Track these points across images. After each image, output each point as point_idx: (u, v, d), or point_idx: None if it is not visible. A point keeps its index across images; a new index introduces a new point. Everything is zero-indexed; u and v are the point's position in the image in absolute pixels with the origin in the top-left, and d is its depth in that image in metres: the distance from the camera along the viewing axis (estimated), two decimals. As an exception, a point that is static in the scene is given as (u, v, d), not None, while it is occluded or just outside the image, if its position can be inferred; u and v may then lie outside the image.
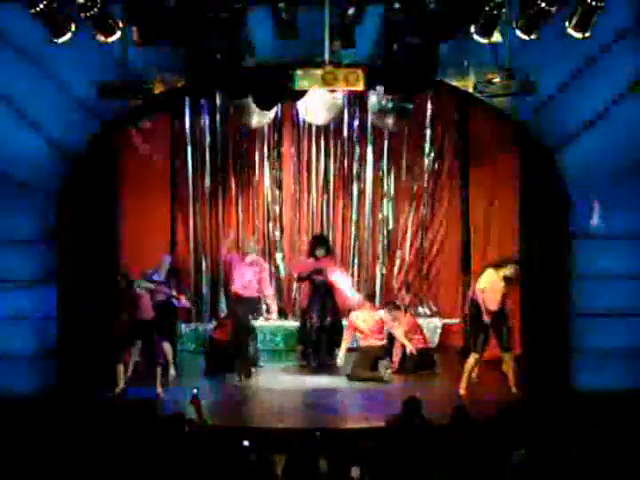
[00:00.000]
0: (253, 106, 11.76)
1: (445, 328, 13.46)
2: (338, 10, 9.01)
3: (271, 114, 12.23)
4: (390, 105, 11.85)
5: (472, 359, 10.95)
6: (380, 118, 12.07)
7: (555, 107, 10.29)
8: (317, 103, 11.43)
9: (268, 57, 10.03)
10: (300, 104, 11.42)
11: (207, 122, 13.61)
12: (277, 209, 13.90)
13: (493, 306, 10.90)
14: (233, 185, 13.81)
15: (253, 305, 12.08)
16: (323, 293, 12.38)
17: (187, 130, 13.56)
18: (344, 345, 12.01)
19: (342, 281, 12.47)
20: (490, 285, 10.96)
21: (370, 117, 13.06)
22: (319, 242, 12.64)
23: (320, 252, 12.40)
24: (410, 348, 11.99)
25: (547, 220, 11.31)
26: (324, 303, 12.36)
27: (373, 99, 11.99)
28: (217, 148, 13.67)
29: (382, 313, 12.26)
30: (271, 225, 13.89)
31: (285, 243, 13.94)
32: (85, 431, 7.68)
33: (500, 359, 11.14)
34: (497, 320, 10.89)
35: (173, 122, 13.41)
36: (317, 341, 12.36)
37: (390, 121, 12.01)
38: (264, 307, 12.97)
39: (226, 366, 11.83)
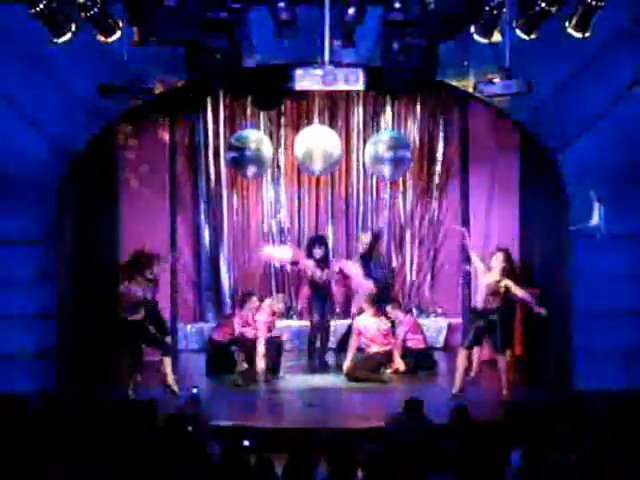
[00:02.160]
0: (249, 158, 11.77)
1: (449, 328, 13.45)
2: (338, 10, 9.01)
3: (268, 163, 12.24)
4: (387, 155, 11.74)
5: (460, 356, 10.86)
6: (377, 167, 11.91)
7: (555, 107, 10.30)
8: (315, 151, 11.35)
9: (268, 57, 10.04)
10: (297, 148, 11.37)
11: (206, 125, 13.62)
12: (278, 208, 13.87)
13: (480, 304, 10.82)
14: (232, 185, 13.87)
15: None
16: (323, 293, 12.36)
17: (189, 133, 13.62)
18: (350, 351, 11.85)
19: (352, 268, 12.36)
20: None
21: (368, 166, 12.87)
22: (317, 242, 12.57)
23: (318, 252, 12.33)
24: (398, 365, 11.93)
25: (547, 220, 11.31)
26: (325, 303, 12.34)
27: (370, 148, 11.87)
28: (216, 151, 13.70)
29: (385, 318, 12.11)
30: (273, 223, 13.90)
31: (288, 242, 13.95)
32: (85, 431, 7.67)
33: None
34: (491, 320, 10.79)
35: (173, 124, 13.39)
36: (320, 340, 12.34)
37: (387, 171, 11.88)
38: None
39: (226, 366, 11.82)
